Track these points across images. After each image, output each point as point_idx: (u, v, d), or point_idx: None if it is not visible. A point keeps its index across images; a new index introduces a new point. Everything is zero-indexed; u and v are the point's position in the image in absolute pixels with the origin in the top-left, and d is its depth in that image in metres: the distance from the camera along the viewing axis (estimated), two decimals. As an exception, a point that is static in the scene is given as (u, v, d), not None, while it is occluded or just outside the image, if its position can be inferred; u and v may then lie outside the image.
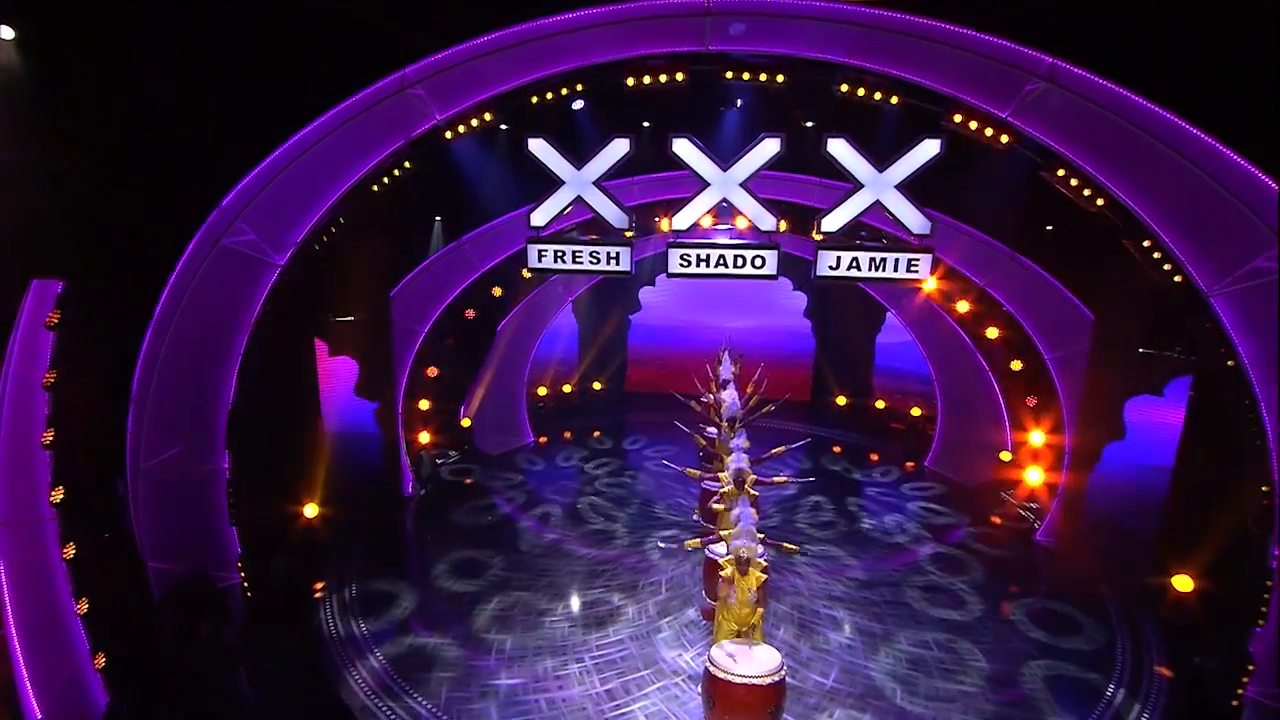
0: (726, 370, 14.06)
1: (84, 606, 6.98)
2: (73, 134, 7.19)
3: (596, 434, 16.96)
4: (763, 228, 9.40)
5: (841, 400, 18.75)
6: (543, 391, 18.20)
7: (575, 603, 9.69)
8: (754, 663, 6.83)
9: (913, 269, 9.26)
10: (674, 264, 9.71)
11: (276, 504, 10.18)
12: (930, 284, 13.55)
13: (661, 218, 10.66)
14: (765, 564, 7.53)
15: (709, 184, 9.35)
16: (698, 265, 9.67)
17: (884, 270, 9.31)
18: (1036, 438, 12.90)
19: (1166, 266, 7.46)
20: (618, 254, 9.79)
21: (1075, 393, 11.33)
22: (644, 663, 8.43)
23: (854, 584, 10.41)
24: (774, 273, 9.53)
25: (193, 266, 8.07)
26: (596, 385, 19.55)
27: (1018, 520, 12.76)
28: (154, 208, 7.88)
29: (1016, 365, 12.97)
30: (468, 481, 13.93)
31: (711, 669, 6.84)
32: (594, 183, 9.45)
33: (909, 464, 15.43)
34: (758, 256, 9.55)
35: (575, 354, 19.28)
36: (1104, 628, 9.38)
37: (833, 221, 9.24)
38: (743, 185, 9.32)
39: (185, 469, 8.75)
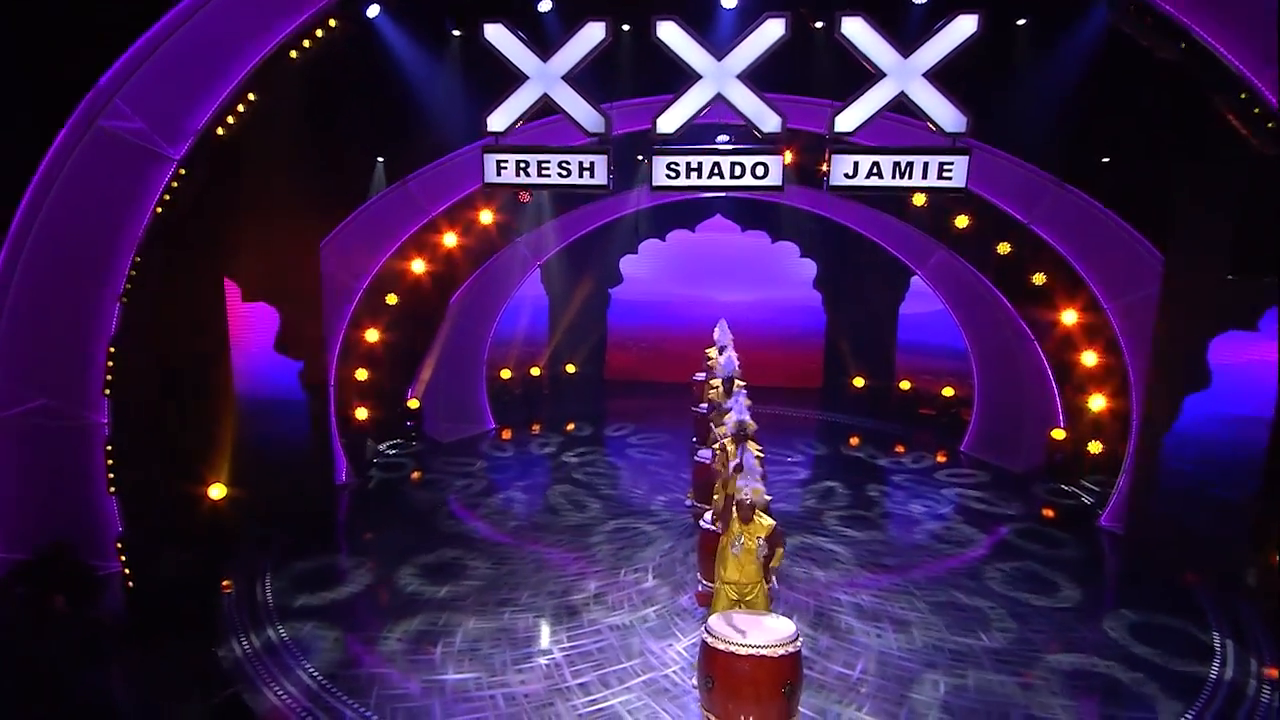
0: (724, 336, 13.71)
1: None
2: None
3: (571, 426, 16.41)
4: (765, 129, 8.95)
5: (859, 382, 18.33)
6: (506, 375, 17.67)
7: (542, 591, 9.19)
8: (763, 632, 6.21)
9: (946, 175, 8.81)
10: (659, 175, 9.23)
11: (172, 478, 9.44)
12: (963, 222, 13.22)
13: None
14: (771, 522, 7.02)
15: (700, 77, 8.85)
16: (688, 176, 9.22)
17: (911, 176, 8.85)
18: (1097, 403, 12.42)
19: (1270, 125, 6.93)
20: (591, 164, 9.28)
21: (1142, 346, 10.82)
22: (626, 654, 7.89)
23: (881, 570, 9.95)
24: (779, 184, 9.10)
25: (62, 161, 7.40)
26: (570, 368, 19.03)
27: (1076, 505, 12.32)
28: (10, 87, 7.23)
29: (1069, 317, 12.45)
30: (415, 476, 13.31)
31: (710, 640, 6.22)
32: (563, 78, 8.95)
33: (941, 455, 14.93)
34: (759, 164, 9.08)
35: (544, 332, 18.81)
36: (1195, 620, 8.83)
37: (849, 119, 8.77)
38: (740, 78, 8.83)
39: (50, 424, 8.02)
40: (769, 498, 7.91)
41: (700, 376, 14.44)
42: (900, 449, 15.37)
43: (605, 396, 18.93)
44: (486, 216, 14.12)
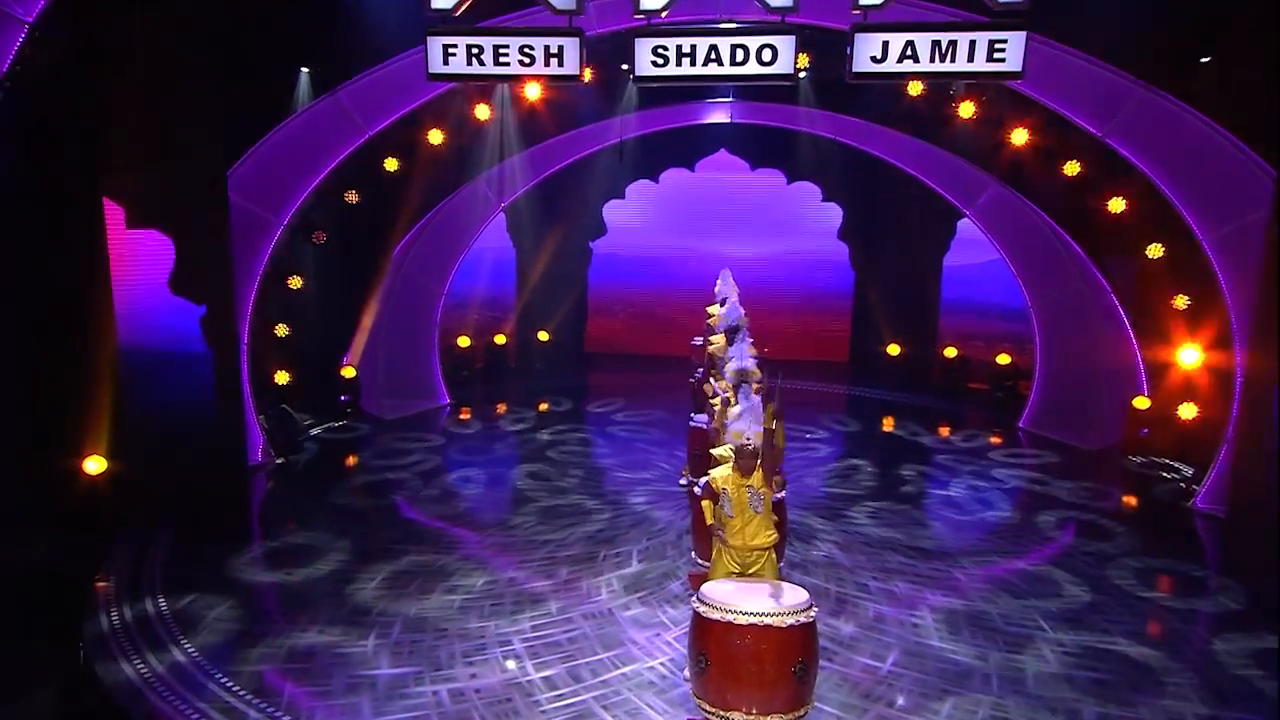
0: (727, 286, 13.63)
1: None
2: None
3: (544, 406, 16.30)
4: (773, 3, 8.75)
5: (895, 351, 18.21)
6: (464, 343, 17.53)
7: (500, 578, 9.04)
8: (769, 598, 5.98)
9: (998, 56, 8.62)
10: (643, 63, 9.06)
11: (35, 445, 9.24)
12: (1021, 137, 13.00)
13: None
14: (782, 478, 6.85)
15: (695, -67, 8.67)
16: (678, 63, 9.05)
17: (954, 59, 8.67)
18: (1189, 357, 12.27)
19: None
20: (559, 49, 9.08)
21: (1248, 282, 10.63)
22: (603, 644, 7.73)
23: (919, 555, 9.81)
24: (789, 70, 8.94)
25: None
26: (542, 337, 18.88)
27: (1166, 485, 12.24)
28: None
29: (1154, 253, 12.32)
30: (350, 461, 13.13)
31: (704, 610, 5.99)
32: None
33: (996, 436, 14.80)
34: (766, 46, 8.90)
35: (511, 292, 18.71)
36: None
37: (876, -10, 8.59)
38: (742, -67, 8.65)
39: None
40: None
41: (699, 341, 14.29)
42: (945, 430, 15.22)
43: (585, 370, 18.81)
44: (437, 137, 13.88)
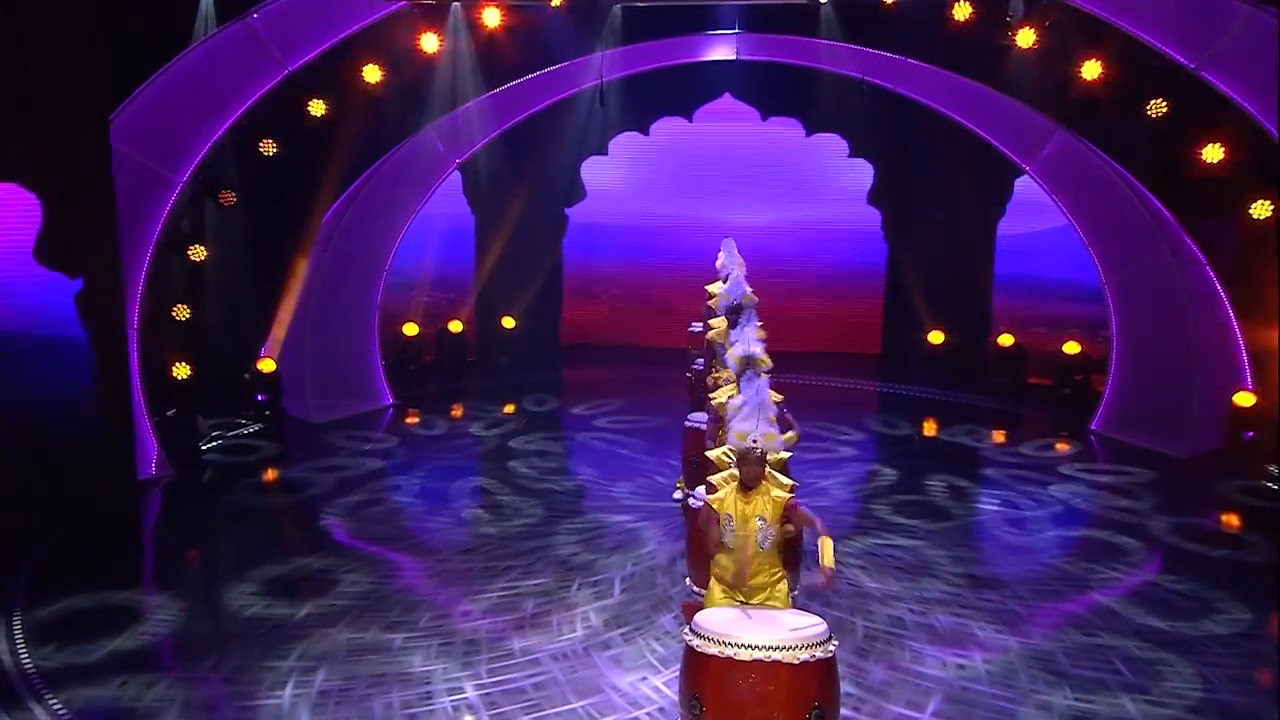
0: (731, 260, 13.79)
1: None
2: None
3: (510, 408, 16.42)
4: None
5: (937, 338, 18.21)
6: (411, 331, 17.61)
7: (451, 612, 9.04)
8: (778, 629, 5.85)
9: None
10: None
11: None
12: (1094, 71, 12.97)
13: None
14: (791, 483, 6.73)
15: None
16: None
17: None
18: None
19: None
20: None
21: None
22: (577, 691, 7.63)
23: (965, 582, 9.75)
24: None
25: None
26: (508, 323, 18.95)
27: (1274, 504, 12.17)
28: None
29: (1260, 211, 12.29)
30: (268, 474, 13.20)
31: (698, 643, 5.83)
32: None
33: (1063, 441, 14.84)
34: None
35: (469, 270, 18.81)
36: None
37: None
38: None
39: None
40: (788, 453, 7.69)
41: (698, 327, 14.38)
42: (1000, 434, 15.26)
43: (560, 364, 18.85)
44: (374, 75, 13.87)
